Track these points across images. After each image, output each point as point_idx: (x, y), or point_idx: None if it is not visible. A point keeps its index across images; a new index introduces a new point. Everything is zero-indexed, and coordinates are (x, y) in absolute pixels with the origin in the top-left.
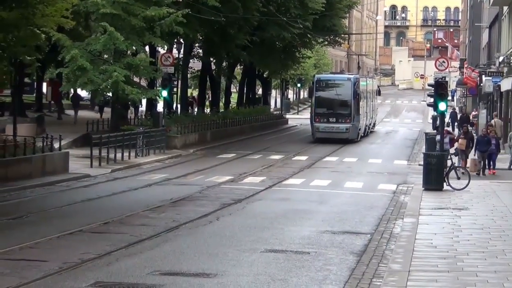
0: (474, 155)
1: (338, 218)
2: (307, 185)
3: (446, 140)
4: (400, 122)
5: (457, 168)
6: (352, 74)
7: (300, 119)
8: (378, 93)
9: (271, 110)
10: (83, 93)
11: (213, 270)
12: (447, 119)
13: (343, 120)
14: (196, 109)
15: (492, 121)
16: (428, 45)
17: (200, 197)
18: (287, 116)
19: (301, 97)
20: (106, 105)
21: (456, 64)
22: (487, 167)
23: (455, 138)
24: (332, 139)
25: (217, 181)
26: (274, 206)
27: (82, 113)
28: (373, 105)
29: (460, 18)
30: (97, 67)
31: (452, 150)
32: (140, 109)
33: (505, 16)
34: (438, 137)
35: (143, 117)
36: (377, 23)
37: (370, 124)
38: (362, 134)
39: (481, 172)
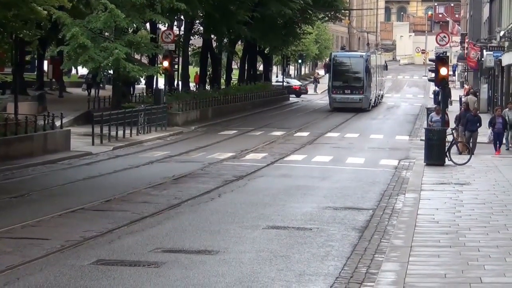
0: (463, 133)
1: (340, 194)
2: (308, 161)
3: (437, 117)
4: (402, 97)
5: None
6: (363, 52)
7: (301, 95)
8: (385, 68)
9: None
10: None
11: (215, 247)
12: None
13: (357, 91)
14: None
15: (465, 98)
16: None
17: (201, 174)
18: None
19: (302, 73)
20: (94, 83)
21: (457, 39)
22: (497, 147)
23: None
24: (348, 108)
25: (219, 158)
26: (276, 183)
27: (74, 91)
28: (382, 79)
29: None
30: (98, 44)
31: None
32: (137, 86)
33: None
34: (432, 116)
35: (144, 94)
36: None
37: (379, 95)
38: (373, 104)
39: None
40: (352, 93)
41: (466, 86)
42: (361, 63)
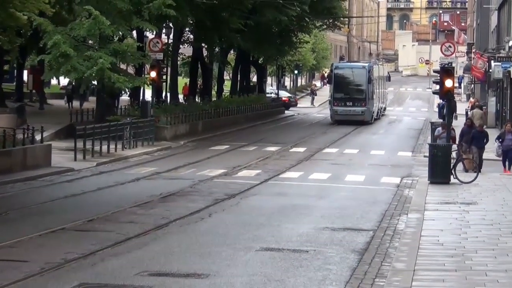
0: (467, 150)
1: (339, 213)
2: (305, 179)
3: (444, 133)
4: (404, 110)
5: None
6: (366, 62)
7: (298, 108)
8: (388, 79)
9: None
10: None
11: (205, 270)
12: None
13: (359, 103)
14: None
15: (470, 113)
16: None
17: (191, 192)
18: None
19: (299, 84)
20: (74, 94)
21: (464, 48)
22: (507, 167)
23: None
24: (349, 121)
25: (210, 175)
26: (270, 202)
27: (56, 103)
28: (384, 91)
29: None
30: (81, 53)
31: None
32: (121, 98)
33: None
34: (437, 131)
35: (130, 106)
36: (379, 5)
37: (381, 108)
38: (376, 117)
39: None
40: (354, 105)
41: (471, 99)
42: (364, 74)
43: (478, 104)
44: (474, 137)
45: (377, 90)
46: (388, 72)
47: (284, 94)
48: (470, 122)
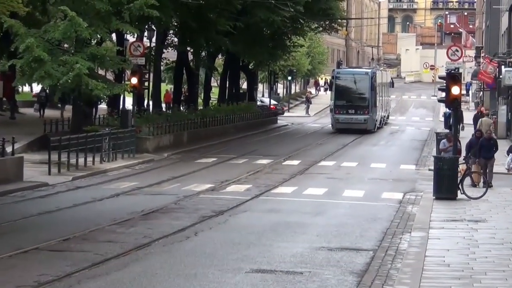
0: (472, 163)
1: (336, 232)
2: (299, 194)
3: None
4: (407, 120)
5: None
6: (369, 68)
7: (291, 117)
8: (392, 85)
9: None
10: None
11: None
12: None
13: (362, 111)
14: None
15: (479, 122)
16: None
17: (175, 209)
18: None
19: (293, 91)
20: (47, 103)
21: (472, 53)
22: None
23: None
24: (351, 130)
25: (196, 190)
26: (261, 219)
27: (28, 111)
28: (388, 97)
29: (475, 0)
30: (56, 58)
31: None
32: (99, 106)
33: None
34: (442, 144)
35: (109, 116)
36: (380, 6)
37: (384, 116)
38: (379, 125)
39: (485, 183)
40: (357, 113)
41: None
42: (367, 80)
43: (487, 112)
44: (483, 146)
45: (380, 97)
46: (391, 78)
47: (272, 102)
48: (480, 134)
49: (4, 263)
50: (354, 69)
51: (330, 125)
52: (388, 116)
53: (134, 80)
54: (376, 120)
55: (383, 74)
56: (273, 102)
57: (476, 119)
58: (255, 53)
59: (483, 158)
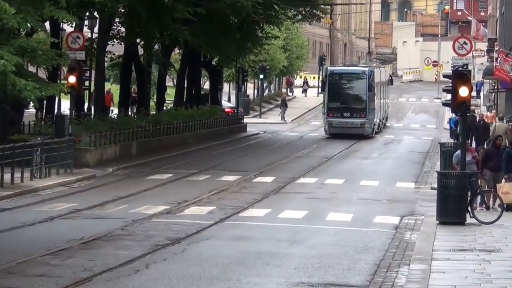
0: (481, 174)
1: (318, 264)
2: (274, 218)
3: (469, 158)
4: (405, 127)
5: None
6: (366, 66)
7: (264, 124)
8: (391, 82)
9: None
10: None
11: None
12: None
13: (358, 114)
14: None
15: (493, 126)
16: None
17: (122, 236)
18: (246, 120)
19: (266, 93)
20: None
21: (483, 46)
22: None
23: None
24: (346, 135)
25: (147, 213)
26: (227, 248)
27: None
28: (386, 97)
29: None
30: None
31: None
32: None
33: None
34: (456, 158)
35: (42, 121)
36: None
37: (383, 118)
38: (377, 130)
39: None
40: (352, 117)
41: (488, 113)
42: (364, 80)
43: (501, 116)
44: (490, 157)
45: (379, 98)
46: (390, 75)
47: (226, 105)
48: (496, 141)
49: None
50: (350, 67)
51: (323, 130)
52: (386, 118)
53: (72, 79)
54: (374, 124)
55: (381, 71)
56: (228, 105)
57: (477, 128)
58: (219, 46)
59: (491, 171)
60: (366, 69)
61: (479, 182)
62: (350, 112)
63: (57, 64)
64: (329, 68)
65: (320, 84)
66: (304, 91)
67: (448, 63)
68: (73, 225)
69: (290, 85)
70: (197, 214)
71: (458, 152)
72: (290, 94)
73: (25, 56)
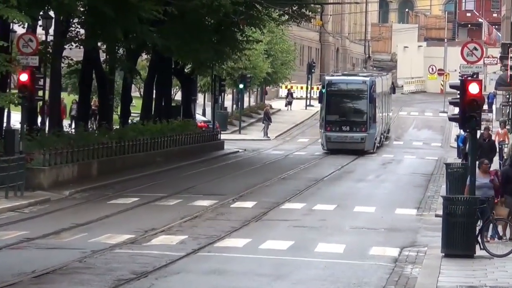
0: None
1: None
2: (254, 249)
3: (485, 180)
4: (406, 145)
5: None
6: (367, 76)
7: (244, 140)
8: (393, 90)
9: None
10: None
11: None
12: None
13: (358, 128)
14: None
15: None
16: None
17: (80, 269)
18: (223, 136)
19: (246, 105)
20: None
21: (496, 52)
22: None
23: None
24: (346, 150)
25: (109, 243)
26: (200, 284)
27: None
28: (388, 109)
29: None
30: None
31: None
32: None
33: None
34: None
35: None
36: None
37: (384, 131)
38: (378, 144)
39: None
40: (352, 131)
41: (499, 130)
42: (365, 90)
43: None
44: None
45: (381, 110)
46: (392, 83)
47: (200, 119)
48: None
49: None
50: (349, 77)
51: (320, 145)
52: (388, 130)
53: (24, 77)
54: (376, 139)
55: (383, 80)
56: (203, 118)
57: (482, 147)
58: (193, 51)
59: (509, 196)
60: (367, 78)
61: (499, 210)
62: (350, 126)
63: (6, 71)
64: (327, 77)
65: (308, 95)
66: (289, 103)
67: (456, 71)
68: (24, 257)
69: (265, 94)
70: (166, 244)
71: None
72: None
73: None
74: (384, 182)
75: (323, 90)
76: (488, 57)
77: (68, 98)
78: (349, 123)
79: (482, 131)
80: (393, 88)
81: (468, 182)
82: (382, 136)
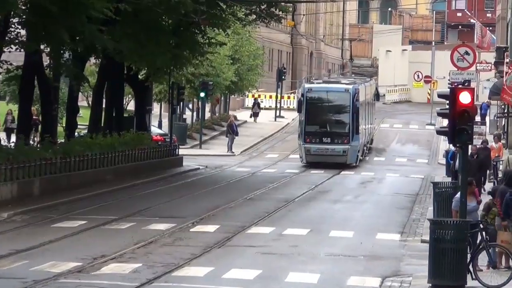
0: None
1: None
2: (217, 279)
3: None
4: (388, 162)
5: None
6: (349, 83)
7: (205, 156)
8: (377, 97)
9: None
10: None
11: None
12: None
13: (340, 140)
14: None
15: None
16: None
17: None
18: (182, 151)
19: (207, 116)
20: None
21: (490, 56)
22: None
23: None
24: (326, 163)
25: (53, 271)
26: None
27: None
28: (372, 117)
29: None
30: None
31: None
32: None
33: None
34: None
35: None
36: None
37: (368, 142)
38: (361, 157)
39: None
40: (334, 143)
41: (493, 144)
42: (347, 99)
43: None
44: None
45: (364, 119)
46: (376, 88)
47: (156, 131)
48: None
49: None
50: (330, 84)
51: (299, 157)
52: (372, 141)
53: None
54: (359, 151)
55: (366, 88)
56: (158, 131)
57: (470, 164)
58: (148, 55)
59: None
60: (350, 86)
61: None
62: (331, 137)
63: None
64: (306, 85)
65: (278, 106)
66: (254, 114)
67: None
68: None
69: (215, 104)
70: (117, 273)
71: (458, 195)
72: (242, 118)
73: None
74: (363, 204)
75: (302, 99)
76: (481, 62)
77: (3, 108)
78: (330, 134)
79: (480, 145)
80: (377, 94)
81: (453, 206)
82: (365, 148)
